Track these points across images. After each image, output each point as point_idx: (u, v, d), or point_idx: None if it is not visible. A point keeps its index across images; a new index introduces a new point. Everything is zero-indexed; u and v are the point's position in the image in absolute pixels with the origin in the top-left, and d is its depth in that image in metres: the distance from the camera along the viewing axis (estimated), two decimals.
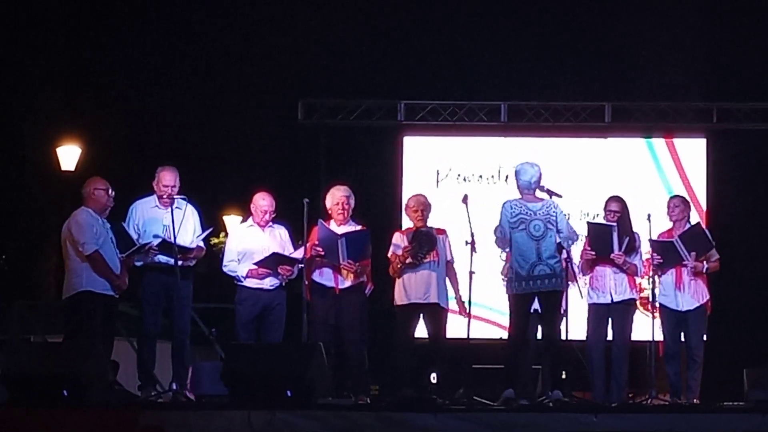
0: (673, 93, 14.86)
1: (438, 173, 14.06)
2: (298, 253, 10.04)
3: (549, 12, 15.96)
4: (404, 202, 10.80)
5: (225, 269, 10.19)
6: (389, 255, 10.23)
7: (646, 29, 15.52)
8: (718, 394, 10.36)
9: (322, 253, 9.97)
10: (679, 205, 10.39)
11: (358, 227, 10.25)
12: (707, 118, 14.33)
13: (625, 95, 14.68)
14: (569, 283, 9.62)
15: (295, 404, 8.42)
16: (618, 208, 10.17)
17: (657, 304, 10.12)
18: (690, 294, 10.11)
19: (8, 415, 8.45)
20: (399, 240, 10.21)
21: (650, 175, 13.94)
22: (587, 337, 10.16)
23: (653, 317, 10.13)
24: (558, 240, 9.43)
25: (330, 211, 10.17)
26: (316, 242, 9.99)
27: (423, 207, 10.24)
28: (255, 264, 10.02)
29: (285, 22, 16.93)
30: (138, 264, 9.78)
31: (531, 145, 13.96)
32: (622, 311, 10.11)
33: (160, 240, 9.66)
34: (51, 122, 18.31)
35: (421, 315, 10.10)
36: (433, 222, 10.35)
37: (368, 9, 16.10)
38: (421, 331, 10.23)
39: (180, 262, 9.60)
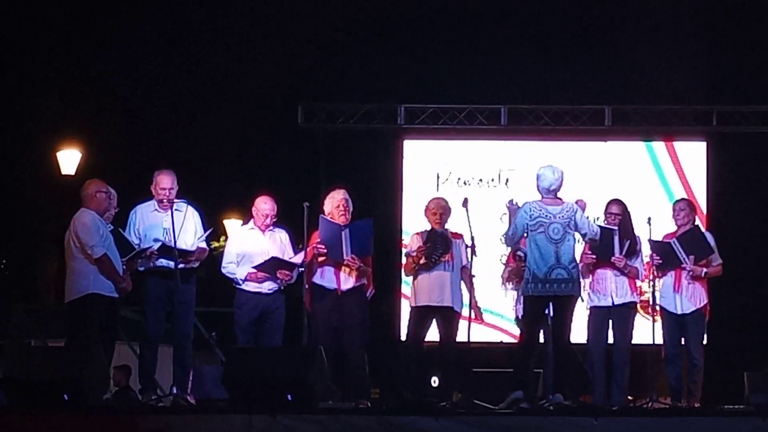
0: (673, 96, 14.87)
1: (438, 177, 14.06)
2: (298, 258, 10.01)
3: (549, 16, 15.99)
4: (404, 205, 10.78)
5: (223, 270, 10.16)
6: (404, 255, 10.18)
7: (647, 33, 15.54)
8: (719, 397, 10.36)
9: (325, 251, 9.91)
10: (684, 209, 10.32)
11: None
12: (707, 122, 14.34)
13: (625, 98, 14.69)
14: None
15: (295, 408, 8.41)
16: (619, 211, 10.14)
17: (657, 307, 10.10)
18: (687, 297, 10.07)
19: (8, 419, 8.42)
20: (416, 241, 10.20)
21: (650, 179, 13.94)
22: (588, 340, 10.13)
23: (653, 320, 10.12)
24: (585, 241, 9.46)
25: (330, 215, 10.14)
26: (318, 241, 9.96)
27: (443, 210, 10.20)
28: (254, 267, 10.01)
29: (285, 26, 16.95)
30: (141, 269, 9.76)
31: (531, 148, 13.96)
32: (623, 314, 10.08)
33: (159, 244, 9.65)
34: (51, 126, 18.32)
35: (434, 319, 10.07)
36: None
37: (368, 13, 16.11)
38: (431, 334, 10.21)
39: (181, 265, 9.59)
